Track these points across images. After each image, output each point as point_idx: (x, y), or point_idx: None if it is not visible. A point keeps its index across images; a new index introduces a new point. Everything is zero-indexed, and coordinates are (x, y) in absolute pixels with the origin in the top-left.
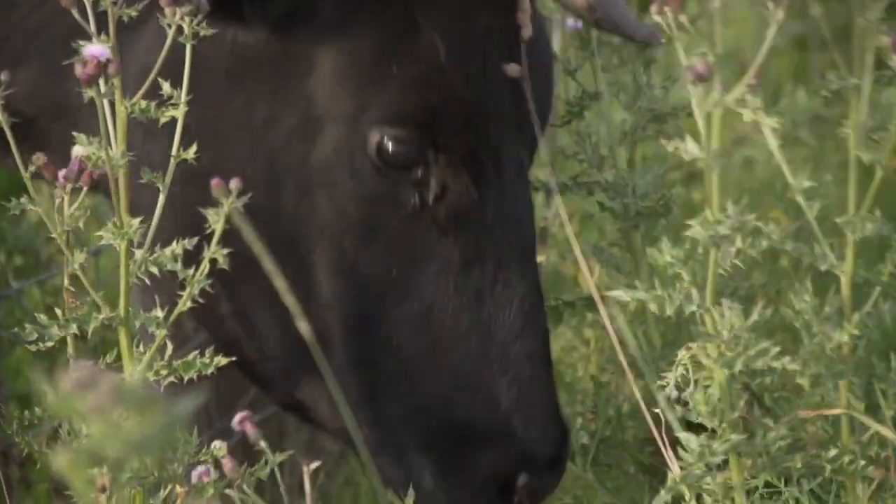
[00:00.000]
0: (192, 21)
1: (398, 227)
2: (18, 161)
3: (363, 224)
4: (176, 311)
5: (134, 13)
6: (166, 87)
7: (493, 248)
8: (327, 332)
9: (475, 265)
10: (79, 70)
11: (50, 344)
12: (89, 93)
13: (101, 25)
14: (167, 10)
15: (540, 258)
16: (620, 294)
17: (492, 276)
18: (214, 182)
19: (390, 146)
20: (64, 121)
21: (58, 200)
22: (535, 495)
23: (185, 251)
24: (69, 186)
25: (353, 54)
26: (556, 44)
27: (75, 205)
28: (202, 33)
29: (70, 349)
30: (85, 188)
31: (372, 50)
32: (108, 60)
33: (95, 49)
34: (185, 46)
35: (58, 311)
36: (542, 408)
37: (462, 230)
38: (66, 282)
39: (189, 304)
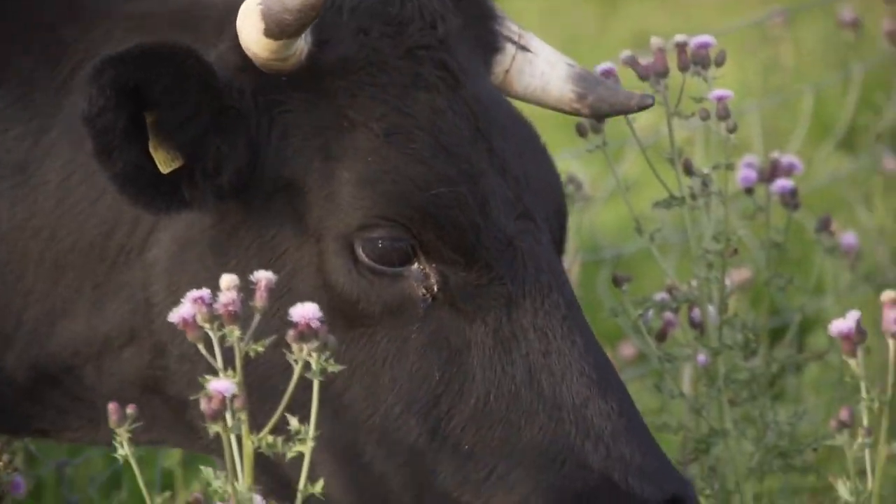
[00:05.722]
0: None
1: (421, 326)
2: None
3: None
4: None
5: (261, 348)
6: (293, 422)
7: (530, 321)
8: (399, 449)
9: (516, 342)
10: (204, 405)
11: None
12: (214, 427)
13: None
14: (294, 347)
15: None
16: None
17: (541, 349)
18: None
19: (377, 246)
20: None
21: None
22: None
23: None
24: None
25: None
26: (686, 382)
27: None
28: (329, 369)
29: None
30: None
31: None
32: (233, 396)
33: (221, 385)
34: None
35: None
36: (648, 458)
37: (483, 311)
38: None
39: None
